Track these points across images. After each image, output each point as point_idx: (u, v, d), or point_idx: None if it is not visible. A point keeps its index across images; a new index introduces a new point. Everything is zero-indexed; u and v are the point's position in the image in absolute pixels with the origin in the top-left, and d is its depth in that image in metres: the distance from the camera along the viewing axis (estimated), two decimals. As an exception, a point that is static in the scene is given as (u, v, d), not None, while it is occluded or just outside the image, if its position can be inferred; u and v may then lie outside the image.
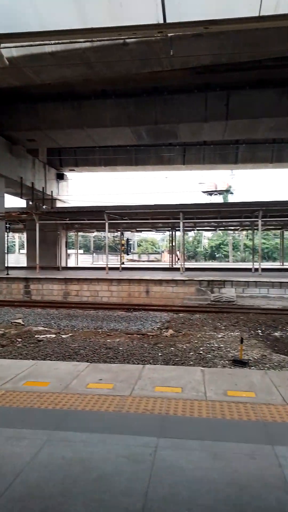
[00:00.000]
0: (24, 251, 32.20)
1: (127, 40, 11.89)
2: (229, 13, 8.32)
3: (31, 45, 11.54)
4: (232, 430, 3.21)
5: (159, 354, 7.60)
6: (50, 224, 23.45)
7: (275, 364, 6.90)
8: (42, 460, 2.77)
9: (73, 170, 28.76)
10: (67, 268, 26.67)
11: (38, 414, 3.51)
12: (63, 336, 9.45)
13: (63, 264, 27.00)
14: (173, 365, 6.73)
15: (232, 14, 8.33)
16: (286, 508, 2.30)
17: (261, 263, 18.73)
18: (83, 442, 3.01)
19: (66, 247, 29.21)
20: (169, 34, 10.31)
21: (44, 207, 24.09)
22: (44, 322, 11.39)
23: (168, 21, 8.83)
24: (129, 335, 9.55)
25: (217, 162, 26.12)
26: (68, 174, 29.86)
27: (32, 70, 13.48)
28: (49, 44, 11.85)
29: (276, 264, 34.76)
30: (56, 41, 11.54)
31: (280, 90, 17.16)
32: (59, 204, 27.28)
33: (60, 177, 28.30)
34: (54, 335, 9.49)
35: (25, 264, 27.80)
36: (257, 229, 19.49)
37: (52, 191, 26.33)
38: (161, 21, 8.80)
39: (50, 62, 12.73)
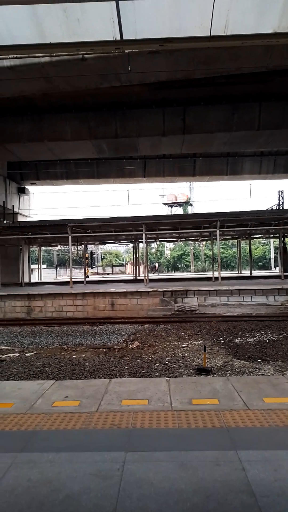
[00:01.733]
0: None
1: (86, 56, 12.05)
2: (183, 33, 8.71)
3: (-11, 59, 11.43)
4: (197, 438, 3.29)
5: (126, 367, 7.59)
6: (11, 239, 22.88)
7: (237, 370, 7.11)
8: (7, 485, 2.70)
9: (35, 183, 28.32)
10: (30, 284, 26.01)
11: (2, 436, 3.42)
12: (27, 354, 9.20)
13: (26, 280, 26.33)
14: (140, 377, 6.74)
15: (185, 34, 8.73)
16: (250, 511, 2.39)
17: (220, 272, 19.25)
18: (49, 462, 2.97)
19: (28, 262, 28.53)
20: (126, 51, 10.63)
21: (5, 221, 23.47)
22: (6, 341, 11.04)
23: (125, 38, 9.07)
24: (95, 350, 9.47)
25: (176, 174, 26.78)
26: (30, 188, 29.36)
27: (-11, 84, 13.29)
28: (7, 58, 11.76)
29: (234, 273, 35.89)
30: (15, 56, 11.49)
31: (233, 106, 17.98)
32: (20, 219, 26.68)
33: (21, 191, 27.73)
34: (17, 354, 9.22)
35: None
36: (216, 239, 20.08)
37: (13, 205, 25.73)
38: (118, 38, 9.03)
39: (9, 76, 12.61)
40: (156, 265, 48.62)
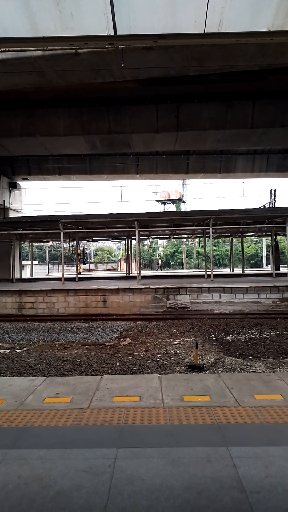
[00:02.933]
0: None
1: (79, 50, 11.92)
2: (177, 29, 8.68)
3: (-20, 52, 11.25)
4: (189, 434, 3.30)
5: (117, 364, 7.59)
6: (2, 235, 22.68)
7: (228, 367, 7.15)
8: (-3, 482, 2.68)
9: (26, 179, 28.04)
10: (21, 280, 25.87)
11: (-8, 434, 3.39)
12: (18, 350, 9.15)
13: (17, 276, 26.17)
14: (131, 374, 6.75)
15: (180, 30, 8.69)
16: (241, 507, 2.40)
17: (213, 270, 19.32)
18: (40, 459, 2.95)
19: (20, 258, 28.33)
20: (120, 46, 10.54)
21: (-5, 217, 23.28)
22: (-3, 337, 10.96)
23: (119, 33, 9.01)
24: (86, 346, 9.45)
25: (170, 171, 26.73)
26: (22, 183, 29.09)
27: (-20, 77, 13.09)
28: (-2, 51, 11.59)
29: (226, 270, 36.08)
30: (7, 49, 11.32)
31: (226, 104, 17.98)
32: (12, 214, 26.45)
33: (13, 186, 27.48)
34: (8, 350, 9.16)
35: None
36: (208, 237, 20.15)
37: (4, 201, 25.50)
38: (112, 33, 8.97)
39: (0, 70, 12.44)
40: (159, 262, 48.32)
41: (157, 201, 61.95)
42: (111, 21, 8.30)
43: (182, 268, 50.79)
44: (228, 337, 10.02)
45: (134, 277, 21.63)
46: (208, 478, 2.67)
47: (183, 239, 45.90)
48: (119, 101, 18.44)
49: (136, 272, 20.93)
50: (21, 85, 14.59)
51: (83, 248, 37.52)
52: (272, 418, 3.56)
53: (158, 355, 8.21)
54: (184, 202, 61.47)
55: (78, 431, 3.40)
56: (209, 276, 19.37)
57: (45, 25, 8.37)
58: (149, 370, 7.08)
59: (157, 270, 42.29)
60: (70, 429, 3.44)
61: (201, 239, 32.11)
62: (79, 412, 3.78)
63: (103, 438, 3.25)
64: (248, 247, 50.90)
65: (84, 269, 43.05)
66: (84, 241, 38.05)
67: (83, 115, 18.80)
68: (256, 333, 10.53)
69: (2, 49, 11.24)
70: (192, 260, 54.85)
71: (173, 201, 61.14)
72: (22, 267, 30.11)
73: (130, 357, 8.11)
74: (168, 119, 18.53)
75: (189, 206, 61.40)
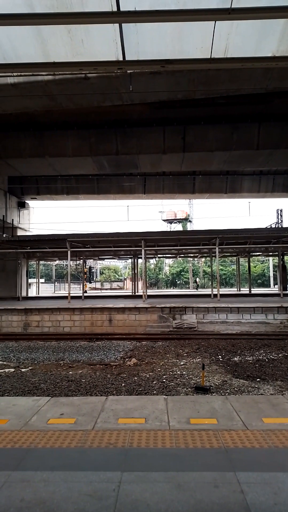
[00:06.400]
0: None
1: (89, 75, 12.30)
2: (184, 54, 8.91)
3: (-7, 76, 11.67)
4: (195, 458, 3.22)
5: (123, 385, 7.49)
6: (10, 253, 22.87)
7: (235, 389, 7.01)
8: (-1, 505, 2.62)
9: (35, 198, 28.52)
10: (27, 298, 25.90)
11: (-5, 454, 3.34)
12: (23, 370, 9.08)
13: (24, 294, 26.22)
14: (137, 395, 6.65)
15: (186, 55, 8.92)
16: (249, 536, 2.32)
17: (219, 289, 19.20)
18: (43, 481, 2.89)
19: (27, 276, 28.47)
20: (128, 71, 10.86)
21: (4, 235, 23.52)
22: (2, 356, 10.90)
23: (127, 58, 9.30)
24: (91, 366, 9.35)
25: (176, 191, 27.02)
26: (30, 202, 29.56)
27: (-7, 101, 13.51)
28: (11, 76, 12.00)
29: (233, 290, 35.82)
30: (19, 73, 11.73)
31: (232, 126, 18.29)
32: (20, 233, 26.77)
33: (22, 205, 27.94)
34: (13, 369, 9.10)
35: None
36: (215, 256, 20.12)
37: (13, 219, 25.86)
38: (121, 59, 9.24)
39: (12, 93, 12.84)
40: (197, 280, 47.65)
41: (163, 220, 62.35)
42: (120, 47, 8.58)
43: (188, 287, 50.53)
44: (235, 358, 9.86)
45: (140, 296, 21.55)
46: (215, 504, 2.59)
47: (189, 258, 45.88)
48: (127, 123, 18.85)
49: (142, 291, 20.86)
50: (31, 108, 15.02)
51: (90, 267, 37.63)
52: (281, 442, 3.47)
53: (164, 376, 8.09)
54: (190, 221, 61.75)
55: (82, 453, 3.34)
56: (215, 295, 19.24)
57: (56, 50, 8.67)
58: (154, 391, 6.97)
59: (197, 289, 42.05)
60: (74, 451, 3.38)
61: (208, 258, 32.06)
62: (84, 433, 3.72)
63: (107, 461, 3.19)
64: (255, 267, 50.64)
65: (90, 287, 43.05)
66: (91, 260, 38.20)
67: (91, 136, 19.21)
68: (264, 354, 10.35)
69: (15, 73, 11.64)
70: (198, 279, 54.66)
71: (179, 221, 61.47)
72: (28, 285, 30.20)
73: (135, 378, 8.00)
74: (174, 141, 18.85)
75: (196, 225, 61.65)
